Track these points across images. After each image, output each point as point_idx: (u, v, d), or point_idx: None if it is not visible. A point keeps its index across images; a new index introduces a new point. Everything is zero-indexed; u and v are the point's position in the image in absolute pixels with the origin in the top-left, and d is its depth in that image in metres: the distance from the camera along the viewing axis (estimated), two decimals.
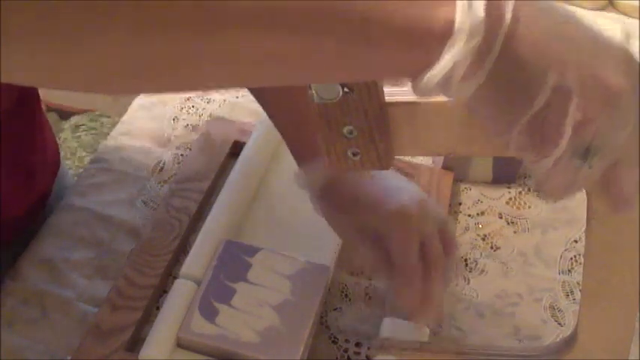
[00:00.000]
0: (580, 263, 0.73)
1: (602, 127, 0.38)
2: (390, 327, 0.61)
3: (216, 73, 0.38)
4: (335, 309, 0.64)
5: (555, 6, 0.39)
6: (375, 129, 0.45)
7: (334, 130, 0.45)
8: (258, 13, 0.35)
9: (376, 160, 0.46)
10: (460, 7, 0.36)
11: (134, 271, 0.63)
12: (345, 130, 0.45)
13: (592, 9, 1.11)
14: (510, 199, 0.78)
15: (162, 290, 0.64)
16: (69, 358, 0.58)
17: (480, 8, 0.36)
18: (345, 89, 0.43)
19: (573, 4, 1.11)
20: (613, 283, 0.48)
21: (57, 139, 0.82)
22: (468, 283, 0.69)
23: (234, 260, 0.60)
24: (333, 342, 0.62)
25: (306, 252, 0.62)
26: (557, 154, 0.38)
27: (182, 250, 0.67)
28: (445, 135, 0.45)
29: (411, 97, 0.44)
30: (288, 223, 0.67)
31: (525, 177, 0.82)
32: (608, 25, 1.06)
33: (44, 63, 0.34)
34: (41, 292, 0.63)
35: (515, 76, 0.37)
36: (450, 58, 0.36)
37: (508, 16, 0.36)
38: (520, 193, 0.80)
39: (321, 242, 0.64)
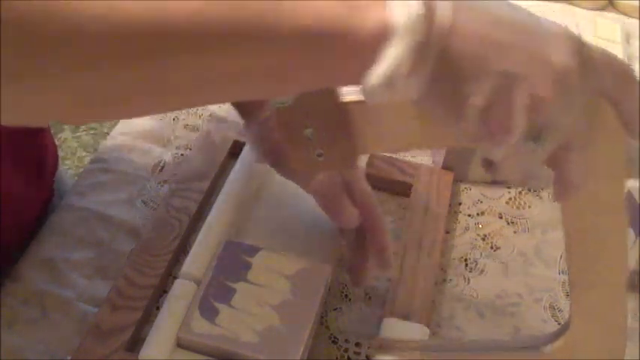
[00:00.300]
0: None
1: (552, 107, 0.38)
2: (390, 327, 0.61)
3: (152, 101, 0.38)
4: (335, 309, 0.64)
5: None
6: (336, 129, 0.45)
7: (295, 133, 0.45)
8: (187, 38, 0.35)
9: (341, 160, 0.46)
10: (397, 6, 0.36)
11: (134, 271, 0.63)
12: (307, 132, 0.45)
13: (592, 9, 1.11)
14: (510, 199, 0.78)
15: (162, 290, 0.64)
16: (69, 358, 0.58)
17: (417, 6, 0.36)
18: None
19: (573, 4, 1.11)
20: (598, 269, 0.47)
21: (57, 139, 0.82)
22: (468, 283, 0.69)
23: (234, 260, 0.60)
24: (333, 342, 0.62)
25: (306, 252, 0.62)
26: (512, 140, 0.38)
27: (182, 250, 0.67)
28: (406, 130, 0.45)
29: None
30: (288, 223, 0.67)
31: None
32: (608, 25, 1.06)
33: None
34: (41, 292, 0.63)
35: (459, 68, 0.37)
36: (390, 57, 0.37)
37: (447, 10, 0.37)
38: (520, 193, 0.80)
39: (321, 242, 0.64)
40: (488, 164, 0.42)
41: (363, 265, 0.62)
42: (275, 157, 0.63)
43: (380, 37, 0.37)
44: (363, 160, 0.72)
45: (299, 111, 0.45)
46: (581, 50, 0.39)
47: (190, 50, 0.36)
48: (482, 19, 0.38)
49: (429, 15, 0.36)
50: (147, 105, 0.39)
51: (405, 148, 0.48)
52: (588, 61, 0.39)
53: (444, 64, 0.37)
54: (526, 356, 0.52)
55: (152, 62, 0.35)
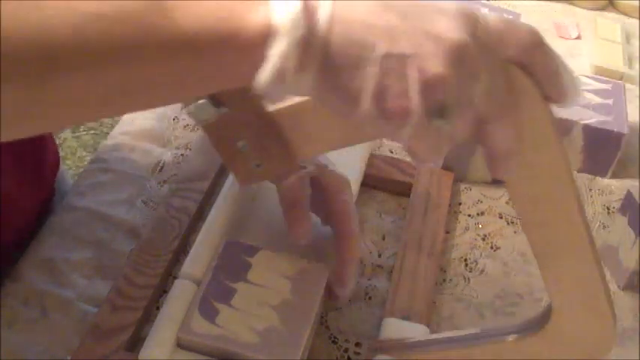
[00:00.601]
0: None
1: (450, 83, 0.38)
2: (390, 327, 0.61)
3: (62, 115, 0.39)
4: (335, 309, 0.64)
5: None
6: (267, 139, 0.45)
7: (229, 147, 0.46)
8: (72, 56, 0.36)
9: (279, 167, 0.47)
10: (278, 5, 0.37)
11: (134, 271, 0.63)
12: (239, 145, 0.46)
13: (592, 9, 1.11)
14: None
15: (162, 290, 0.64)
16: (69, 358, 0.58)
17: (296, 3, 0.37)
18: (222, 107, 0.44)
19: (573, 4, 1.11)
20: (557, 240, 0.47)
21: (57, 139, 0.83)
22: (468, 283, 0.69)
23: (235, 260, 0.60)
24: (333, 342, 0.62)
25: (306, 252, 0.62)
26: (412, 120, 0.39)
27: (182, 250, 0.67)
28: (332, 129, 0.46)
29: (295, 100, 0.45)
30: None
31: None
32: (608, 25, 1.06)
33: None
34: (41, 292, 0.63)
35: (345, 56, 0.38)
36: (275, 55, 0.37)
37: (326, 2, 0.38)
38: None
39: (321, 242, 0.64)
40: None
41: (338, 277, 0.61)
42: None
43: (265, 37, 0.38)
44: (353, 172, 0.72)
45: (227, 126, 0.45)
46: (476, 23, 0.39)
47: (78, 67, 0.37)
48: (364, 6, 0.38)
49: (308, 9, 0.37)
50: (59, 119, 0.41)
51: (339, 146, 0.48)
52: (486, 32, 0.40)
53: (330, 54, 0.38)
54: (515, 342, 0.52)
55: (43, 82, 0.36)
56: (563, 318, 0.50)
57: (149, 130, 0.79)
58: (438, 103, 0.39)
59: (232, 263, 0.60)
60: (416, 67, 0.38)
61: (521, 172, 0.44)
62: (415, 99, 0.38)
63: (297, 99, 0.46)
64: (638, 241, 0.68)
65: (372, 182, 0.75)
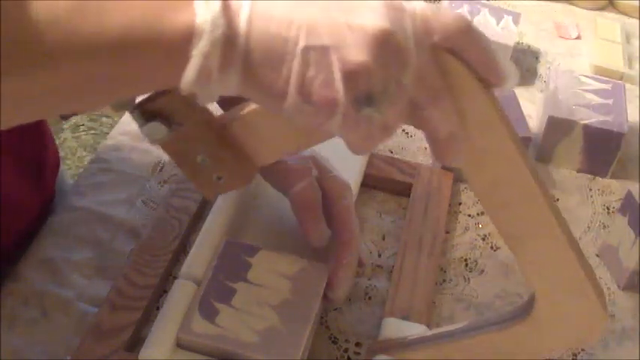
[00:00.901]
0: None
1: (373, 71, 0.39)
2: (390, 327, 0.61)
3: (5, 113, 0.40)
4: (335, 309, 0.64)
5: None
6: (223, 151, 0.46)
7: (189, 163, 0.46)
8: (16, 59, 0.38)
9: (239, 178, 0.48)
10: (199, 6, 0.38)
11: (134, 271, 0.63)
12: (199, 159, 0.46)
13: (592, 9, 1.11)
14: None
15: (162, 290, 0.64)
16: (69, 358, 0.58)
17: (216, 2, 0.38)
18: (173, 125, 0.44)
19: (573, 4, 1.11)
20: (521, 222, 0.47)
21: (57, 139, 0.83)
22: (468, 283, 0.69)
23: (235, 260, 0.60)
24: (333, 342, 0.62)
25: (306, 252, 0.62)
26: (339, 110, 0.39)
27: (182, 250, 0.67)
28: (285, 133, 0.46)
29: (244, 110, 0.46)
30: (288, 224, 0.67)
31: None
32: (608, 25, 1.06)
33: None
34: (41, 293, 0.63)
35: (267, 51, 0.39)
36: (197, 54, 0.38)
37: (247, 2, 0.39)
38: None
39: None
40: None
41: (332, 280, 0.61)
42: None
43: (188, 37, 0.38)
44: (352, 173, 0.72)
45: (183, 142, 0.45)
46: (402, 12, 0.40)
47: (11, 72, 0.38)
48: (284, 2, 0.39)
49: (228, 8, 0.38)
50: (19, 114, 0.42)
51: (296, 149, 0.49)
52: (413, 20, 0.40)
53: (252, 51, 0.39)
54: (505, 331, 0.52)
55: None
56: (546, 302, 0.50)
57: None
58: (364, 91, 0.39)
59: (232, 263, 0.60)
60: (337, 57, 0.39)
61: (470, 157, 0.45)
62: (339, 89, 0.39)
63: (246, 109, 0.46)
64: (638, 241, 0.68)
65: (372, 182, 0.75)
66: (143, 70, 0.40)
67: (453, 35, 0.41)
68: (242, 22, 0.38)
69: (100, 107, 0.45)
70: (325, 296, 0.60)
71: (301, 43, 0.38)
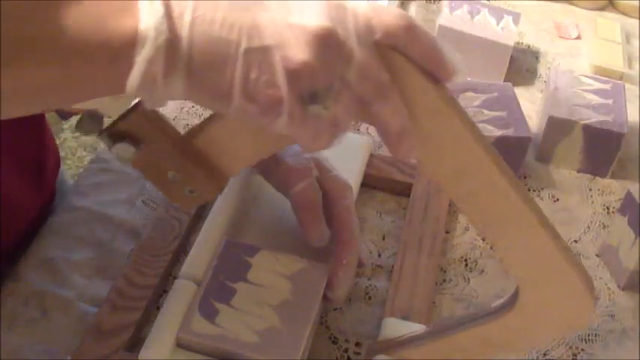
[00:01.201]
0: None
1: (316, 69, 0.39)
2: (390, 327, 0.61)
3: None
4: (335, 309, 0.64)
5: None
6: (190, 165, 0.47)
7: (161, 179, 0.48)
8: None
9: (211, 189, 0.48)
10: (143, 13, 0.39)
11: (134, 271, 0.63)
12: (169, 175, 0.47)
13: (592, 9, 1.11)
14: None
15: (162, 290, 0.64)
16: (69, 358, 0.58)
17: (159, 7, 0.39)
18: (141, 145, 0.46)
19: (573, 4, 1.11)
20: (493, 209, 0.47)
21: (57, 139, 0.83)
22: (468, 283, 0.69)
23: (235, 260, 0.60)
24: (333, 342, 0.62)
25: (306, 252, 0.62)
26: (284, 109, 0.40)
27: (182, 250, 0.67)
28: (248, 142, 0.47)
29: (206, 123, 0.47)
30: (288, 224, 0.67)
31: (525, 177, 0.82)
32: (608, 25, 1.06)
33: None
34: (41, 292, 0.63)
35: (210, 55, 0.39)
36: (141, 60, 0.39)
37: (189, 7, 0.39)
38: None
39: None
40: None
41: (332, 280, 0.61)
42: (256, 166, 0.66)
43: (132, 43, 0.39)
44: (352, 173, 0.72)
45: (152, 160, 0.47)
46: (343, 11, 0.41)
47: None
48: (226, 5, 0.40)
49: (171, 13, 0.39)
50: None
51: (262, 155, 0.49)
52: (355, 18, 0.41)
53: (195, 56, 0.39)
54: (495, 323, 0.52)
55: None
56: (529, 290, 0.50)
57: None
58: (309, 89, 0.40)
59: (232, 263, 0.60)
60: (280, 57, 0.39)
61: (427, 150, 0.45)
62: (283, 88, 0.40)
63: (209, 122, 0.48)
64: (638, 241, 0.68)
65: (372, 182, 0.75)
66: (89, 75, 0.40)
67: (395, 32, 0.42)
68: (185, 27, 0.39)
69: (50, 110, 0.46)
70: (325, 296, 0.60)
71: (243, 45, 0.39)
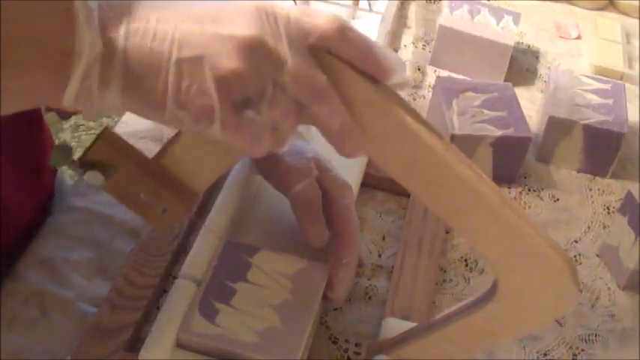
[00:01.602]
0: (580, 263, 0.73)
1: (246, 76, 0.41)
2: (390, 327, 0.61)
3: None
4: (335, 309, 0.64)
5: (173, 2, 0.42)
6: (158, 186, 0.49)
7: (134, 201, 0.49)
8: None
9: (181, 209, 0.50)
10: (79, 27, 0.40)
11: (134, 271, 0.63)
12: (142, 197, 0.49)
13: (592, 9, 1.11)
14: (510, 199, 0.78)
15: (162, 290, 0.64)
16: (69, 358, 0.58)
17: (95, 22, 0.40)
18: (109, 171, 0.48)
19: (573, 4, 1.11)
20: (451, 196, 0.47)
21: (57, 139, 0.83)
22: (468, 283, 0.69)
23: (235, 260, 0.60)
24: (333, 342, 0.62)
25: (306, 252, 0.62)
26: (216, 117, 0.41)
27: (182, 250, 0.67)
28: (210, 156, 0.49)
29: (168, 144, 0.49)
30: (288, 223, 0.66)
31: (525, 177, 0.82)
32: (609, 25, 1.06)
33: None
34: (41, 293, 0.63)
35: (145, 68, 0.41)
36: (76, 74, 0.40)
37: (124, 21, 0.40)
38: (520, 193, 0.80)
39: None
40: None
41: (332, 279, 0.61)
42: (256, 166, 0.67)
43: (68, 57, 0.40)
44: (352, 173, 0.72)
45: (122, 184, 0.49)
46: (274, 17, 0.42)
47: None
48: (159, 18, 0.41)
49: (105, 27, 0.40)
50: None
51: (225, 168, 0.51)
52: (287, 24, 0.42)
53: (130, 68, 0.41)
54: (481, 313, 0.52)
55: None
56: (507, 275, 0.50)
57: (149, 130, 0.79)
58: (240, 96, 0.42)
59: (232, 263, 0.60)
60: (209, 67, 0.41)
61: (373, 146, 0.46)
62: (213, 96, 0.41)
63: (172, 142, 0.49)
64: (638, 241, 0.68)
65: (372, 182, 0.75)
66: (27, 85, 0.41)
67: (328, 35, 0.43)
68: (119, 40, 0.40)
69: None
70: (325, 296, 0.60)
71: (174, 56, 0.41)
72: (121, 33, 0.40)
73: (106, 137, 0.48)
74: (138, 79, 0.41)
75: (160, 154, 0.49)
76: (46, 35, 0.40)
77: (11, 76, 0.41)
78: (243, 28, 0.41)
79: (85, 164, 0.48)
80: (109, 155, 0.48)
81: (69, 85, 0.41)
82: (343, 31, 0.43)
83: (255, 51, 0.41)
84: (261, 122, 0.43)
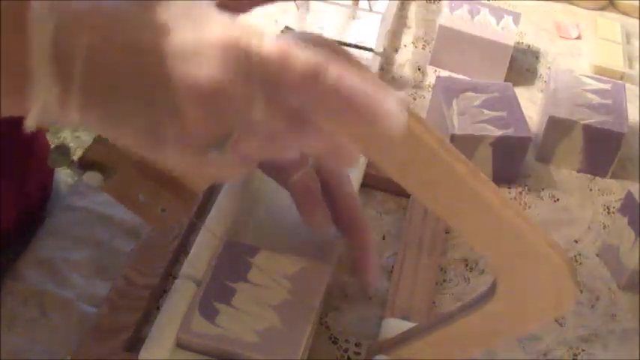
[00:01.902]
0: (580, 263, 0.73)
1: (209, 123, 0.38)
2: (390, 327, 0.61)
3: None
4: (335, 309, 0.64)
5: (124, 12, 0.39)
6: (158, 186, 0.49)
7: (133, 202, 0.50)
8: None
9: (181, 206, 0.50)
10: (33, 52, 0.37)
11: (134, 271, 0.63)
12: (140, 197, 0.49)
13: (592, 9, 1.11)
14: (510, 199, 0.78)
15: (162, 290, 0.64)
16: (69, 358, 0.58)
17: (48, 49, 0.37)
18: (107, 172, 0.48)
19: (573, 4, 1.11)
20: (450, 195, 0.47)
21: (57, 138, 0.82)
22: (468, 283, 0.69)
23: (235, 260, 0.60)
24: (333, 342, 0.62)
25: (306, 252, 0.62)
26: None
27: (182, 250, 0.67)
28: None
29: None
30: (288, 223, 0.67)
31: (525, 177, 0.82)
32: (609, 25, 1.06)
33: None
34: (41, 292, 0.63)
35: (101, 89, 0.38)
36: (36, 99, 0.38)
37: (82, 36, 0.37)
38: (520, 193, 0.80)
39: (321, 242, 0.64)
40: None
41: (363, 265, 0.62)
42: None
43: (25, 85, 0.38)
44: (352, 172, 0.71)
45: (121, 185, 0.49)
46: (243, 60, 0.37)
47: None
48: (117, 49, 0.38)
49: (66, 42, 0.37)
50: None
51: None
52: (257, 67, 0.37)
53: (96, 84, 0.38)
54: (479, 312, 0.52)
55: None
56: (506, 274, 0.50)
57: None
58: (203, 142, 0.39)
59: (232, 263, 0.60)
60: (168, 113, 0.38)
61: (369, 150, 0.46)
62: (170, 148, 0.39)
63: None
64: (638, 241, 0.68)
65: (372, 182, 0.75)
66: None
67: (301, 92, 0.38)
68: (79, 59, 0.38)
69: None
70: (361, 286, 0.60)
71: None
72: (79, 51, 0.37)
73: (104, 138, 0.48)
74: (95, 102, 0.39)
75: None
76: (8, 57, 0.38)
77: None
78: (208, 71, 0.37)
79: (84, 165, 0.48)
80: (107, 156, 0.48)
81: (29, 115, 0.39)
82: (320, 81, 0.38)
83: (217, 100, 0.37)
84: (226, 159, 0.40)
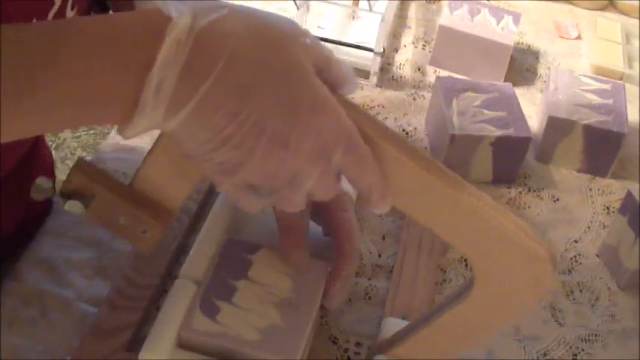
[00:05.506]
0: (580, 263, 0.73)
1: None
2: (390, 327, 0.61)
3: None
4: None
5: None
6: (134, 209, 0.51)
7: (115, 225, 0.51)
8: None
9: (160, 226, 0.52)
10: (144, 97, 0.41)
11: (134, 271, 0.63)
12: (122, 220, 0.51)
13: (592, 9, 1.11)
14: (510, 199, 0.78)
15: (162, 290, 0.64)
16: (69, 358, 0.58)
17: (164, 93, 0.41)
18: (87, 200, 0.50)
19: (573, 4, 1.11)
20: (419, 195, 0.48)
21: (57, 138, 0.83)
22: None
23: (236, 258, 0.60)
24: (333, 342, 0.62)
25: (307, 250, 0.62)
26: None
27: (182, 250, 0.67)
28: (178, 174, 0.51)
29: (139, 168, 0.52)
30: None
31: (525, 177, 0.82)
32: (608, 25, 1.06)
33: None
34: (41, 292, 0.63)
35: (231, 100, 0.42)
36: (140, 127, 0.43)
37: (228, 40, 0.42)
38: (520, 193, 0.80)
39: (322, 241, 0.64)
40: None
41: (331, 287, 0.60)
42: None
43: (132, 110, 0.42)
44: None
45: (101, 210, 0.51)
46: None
47: None
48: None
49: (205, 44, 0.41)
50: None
51: (195, 183, 0.52)
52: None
53: (217, 95, 0.42)
54: (463, 305, 0.52)
55: None
56: (483, 264, 0.50)
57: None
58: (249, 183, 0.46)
59: (233, 261, 0.60)
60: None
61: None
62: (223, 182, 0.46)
63: (142, 164, 0.52)
64: (638, 241, 0.68)
65: None
66: (83, 121, 0.44)
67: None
68: (218, 65, 0.42)
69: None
70: (321, 305, 0.59)
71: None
72: (220, 59, 0.41)
73: (80, 167, 0.50)
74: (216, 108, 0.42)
75: (133, 179, 0.51)
76: (111, 95, 0.42)
77: (77, 122, 0.43)
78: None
79: (64, 195, 0.50)
80: (84, 184, 0.50)
81: (133, 130, 0.43)
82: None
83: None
84: (264, 202, 0.47)
